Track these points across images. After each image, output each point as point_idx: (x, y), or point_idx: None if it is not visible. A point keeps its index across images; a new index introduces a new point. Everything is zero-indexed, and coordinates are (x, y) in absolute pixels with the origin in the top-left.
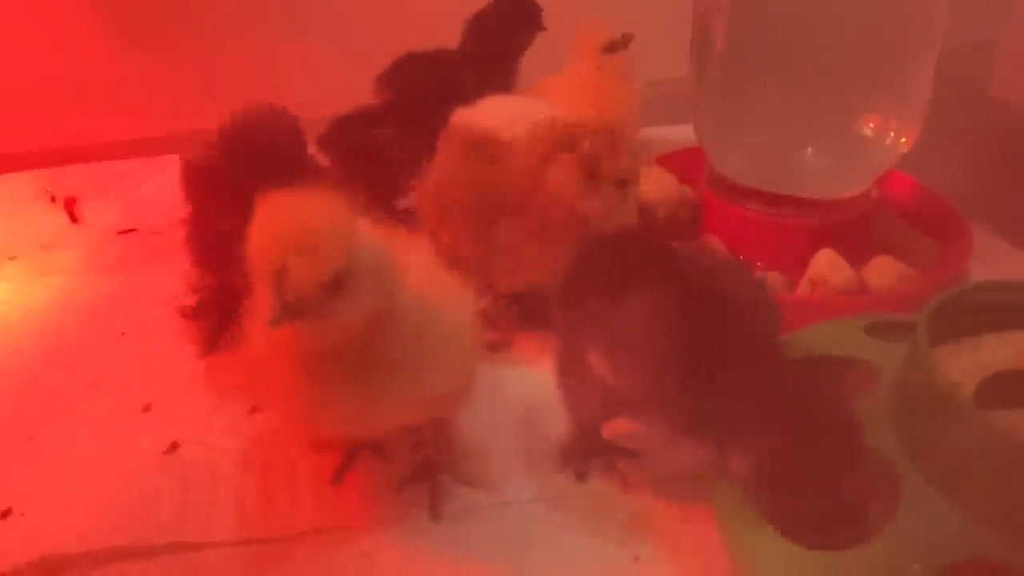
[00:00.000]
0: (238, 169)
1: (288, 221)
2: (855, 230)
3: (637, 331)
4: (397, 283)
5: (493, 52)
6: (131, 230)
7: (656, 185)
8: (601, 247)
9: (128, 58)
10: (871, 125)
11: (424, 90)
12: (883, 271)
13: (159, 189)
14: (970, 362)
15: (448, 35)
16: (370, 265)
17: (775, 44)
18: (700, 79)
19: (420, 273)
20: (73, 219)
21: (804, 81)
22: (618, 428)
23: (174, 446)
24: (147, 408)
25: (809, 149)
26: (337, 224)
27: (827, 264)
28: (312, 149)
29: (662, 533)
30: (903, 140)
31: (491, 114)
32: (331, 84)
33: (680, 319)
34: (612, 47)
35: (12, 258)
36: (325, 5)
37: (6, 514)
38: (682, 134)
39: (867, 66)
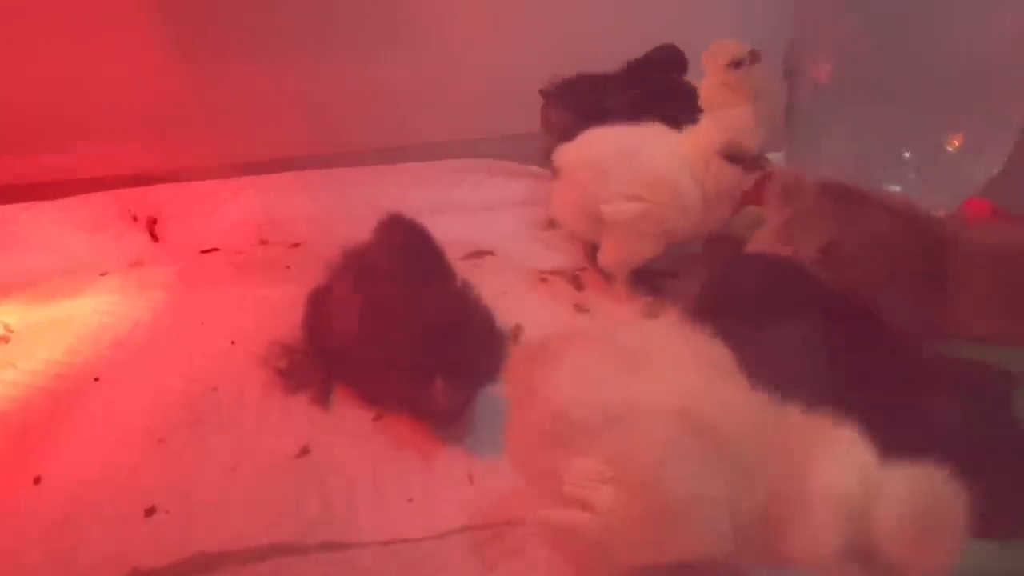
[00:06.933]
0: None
1: None
2: None
3: (789, 357)
4: None
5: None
6: (213, 249)
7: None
8: (746, 269)
9: (205, 86)
10: (958, 145)
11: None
12: None
13: (237, 210)
14: None
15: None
16: None
17: (874, 73)
18: (793, 107)
19: None
20: (154, 238)
21: (896, 104)
22: None
23: (305, 450)
24: (269, 413)
25: (898, 165)
26: None
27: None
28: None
29: None
30: (991, 163)
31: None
32: (404, 111)
33: (836, 347)
34: (738, 63)
35: (103, 274)
36: (395, 33)
37: (151, 512)
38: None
39: (961, 89)
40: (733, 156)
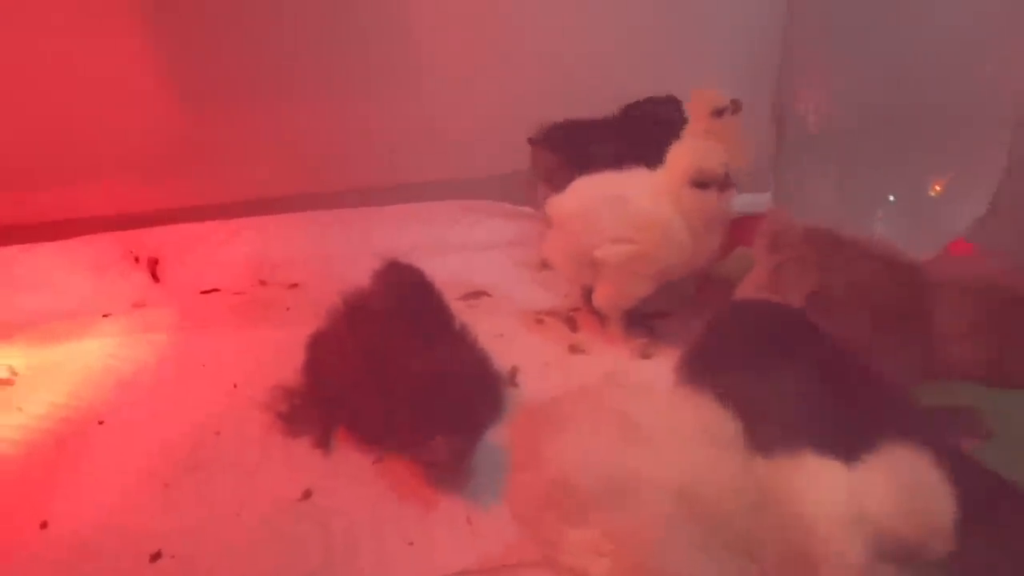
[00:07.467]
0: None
1: None
2: None
3: (787, 407)
4: None
5: (632, 136)
6: (214, 290)
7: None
8: (742, 317)
9: (205, 126)
10: (940, 190)
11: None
12: None
13: (236, 251)
14: None
15: None
16: None
17: (859, 118)
18: (781, 151)
19: None
20: (156, 279)
21: (881, 148)
22: None
23: (307, 494)
24: (272, 457)
25: (880, 212)
26: None
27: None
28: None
29: None
30: (973, 207)
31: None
32: (401, 150)
33: (833, 395)
34: (720, 111)
35: (106, 315)
36: (391, 72)
37: (156, 557)
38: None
39: (944, 133)
40: (702, 182)
